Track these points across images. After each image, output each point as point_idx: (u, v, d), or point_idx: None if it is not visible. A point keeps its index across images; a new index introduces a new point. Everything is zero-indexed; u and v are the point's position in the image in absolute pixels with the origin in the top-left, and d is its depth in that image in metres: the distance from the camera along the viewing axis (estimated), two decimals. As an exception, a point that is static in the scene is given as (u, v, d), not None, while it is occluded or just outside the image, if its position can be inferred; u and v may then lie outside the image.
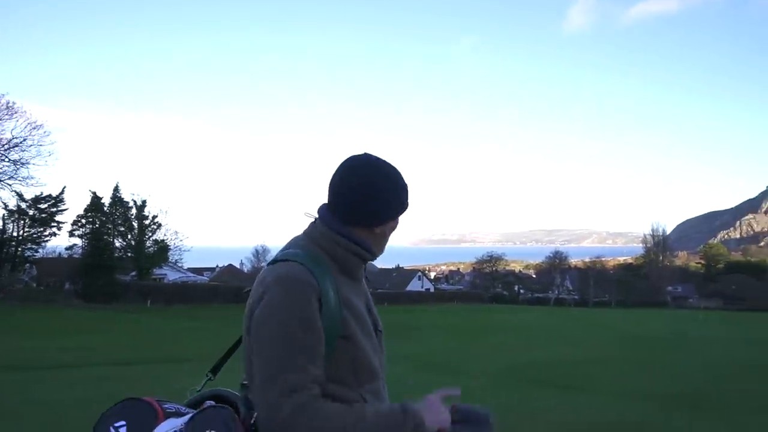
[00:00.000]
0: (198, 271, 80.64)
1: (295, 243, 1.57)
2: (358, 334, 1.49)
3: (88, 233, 43.82)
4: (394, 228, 1.64)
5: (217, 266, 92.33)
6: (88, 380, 9.51)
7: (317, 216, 1.60)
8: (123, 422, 1.32)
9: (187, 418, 1.34)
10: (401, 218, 1.65)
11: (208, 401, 1.48)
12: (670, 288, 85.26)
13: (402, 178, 1.61)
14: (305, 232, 1.59)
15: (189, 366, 12.54)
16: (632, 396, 9.48)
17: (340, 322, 1.44)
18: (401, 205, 1.61)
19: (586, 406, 8.55)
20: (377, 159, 1.60)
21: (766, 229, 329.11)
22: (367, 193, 1.54)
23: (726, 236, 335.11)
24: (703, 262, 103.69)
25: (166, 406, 1.38)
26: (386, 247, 1.68)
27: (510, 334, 23.15)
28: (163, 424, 1.32)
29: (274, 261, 1.51)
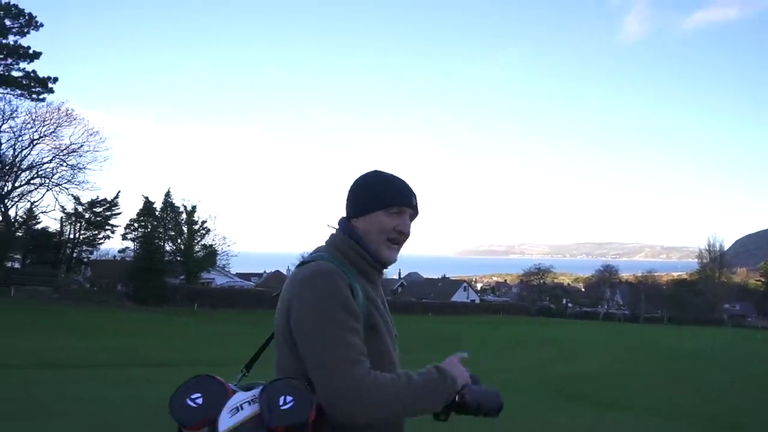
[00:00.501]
0: (246, 276, 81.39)
1: (318, 249, 1.75)
2: (381, 327, 1.65)
3: (140, 237, 45.08)
4: (382, 226, 1.73)
5: (265, 272, 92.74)
6: (139, 381, 9.81)
7: (337, 227, 1.80)
8: (199, 394, 1.46)
9: (257, 390, 1.47)
10: (389, 218, 1.73)
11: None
12: (727, 306, 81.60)
13: (396, 179, 1.79)
14: (327, 241, 1.78)
15: (233, 370, 12.78)
16: (667, 415, 9.11)
17: (366, 313, 1.60)
18: (382, 197, 1.74)
19: (616, 422, 8.29)
20: (379, 169, 1.84)
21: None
22: (357, 186, 1.79)
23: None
24: (763, 279, 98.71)
25: (229, 385, 1.52)
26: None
27: (551, 348, 22.65)
28: (234, 397, 1.46)
29: (303, 263, 1.67)
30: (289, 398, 1.42)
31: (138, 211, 45.86)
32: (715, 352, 22.88)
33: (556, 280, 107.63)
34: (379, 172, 1.82)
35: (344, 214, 1.81)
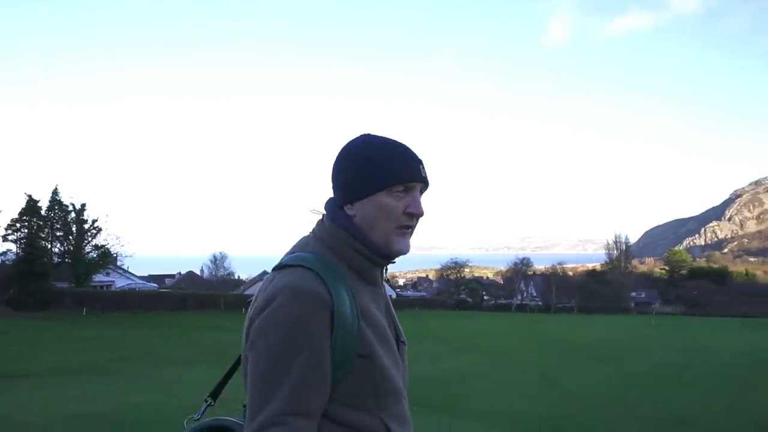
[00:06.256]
0: (159, 278, 79.92)
1: (303, 245, 1.36)
2: (378, 351, 1.29)
3: (22, 238, 41.93)
4: (388, 212, 1.32)
5: (179, 273, 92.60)
6: None
7: (324, 213, 1.39)
8: None
9: None
10: (396, 200, 1.33)
11: None
12: (633, 294, 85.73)
13: (395, 146, 1.36)
14: (314, 232, 1.38)
15: (36, 382, 11.28)
16: (497, 418, 8.40)
17: (357, 339, 1.25)
18: (383, 174, 1.32)
19: (428, 427, 7.43)
20: (369, 134, 1.40)
21: (729, 236, 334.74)
22: (345, 161, 1.37)
23: (691, 243, 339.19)
24: (666, 268, 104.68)
25: None
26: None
27: (430, 344, 22.01)
28: None
29: (282, 266, 1.29)
30: None
31: (20, 210, 42.64)
32: (607, 343, 22.97)
33: (477, 274, 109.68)
34: (370, 138, 1.37)
35: (330, 198, 1.40)
